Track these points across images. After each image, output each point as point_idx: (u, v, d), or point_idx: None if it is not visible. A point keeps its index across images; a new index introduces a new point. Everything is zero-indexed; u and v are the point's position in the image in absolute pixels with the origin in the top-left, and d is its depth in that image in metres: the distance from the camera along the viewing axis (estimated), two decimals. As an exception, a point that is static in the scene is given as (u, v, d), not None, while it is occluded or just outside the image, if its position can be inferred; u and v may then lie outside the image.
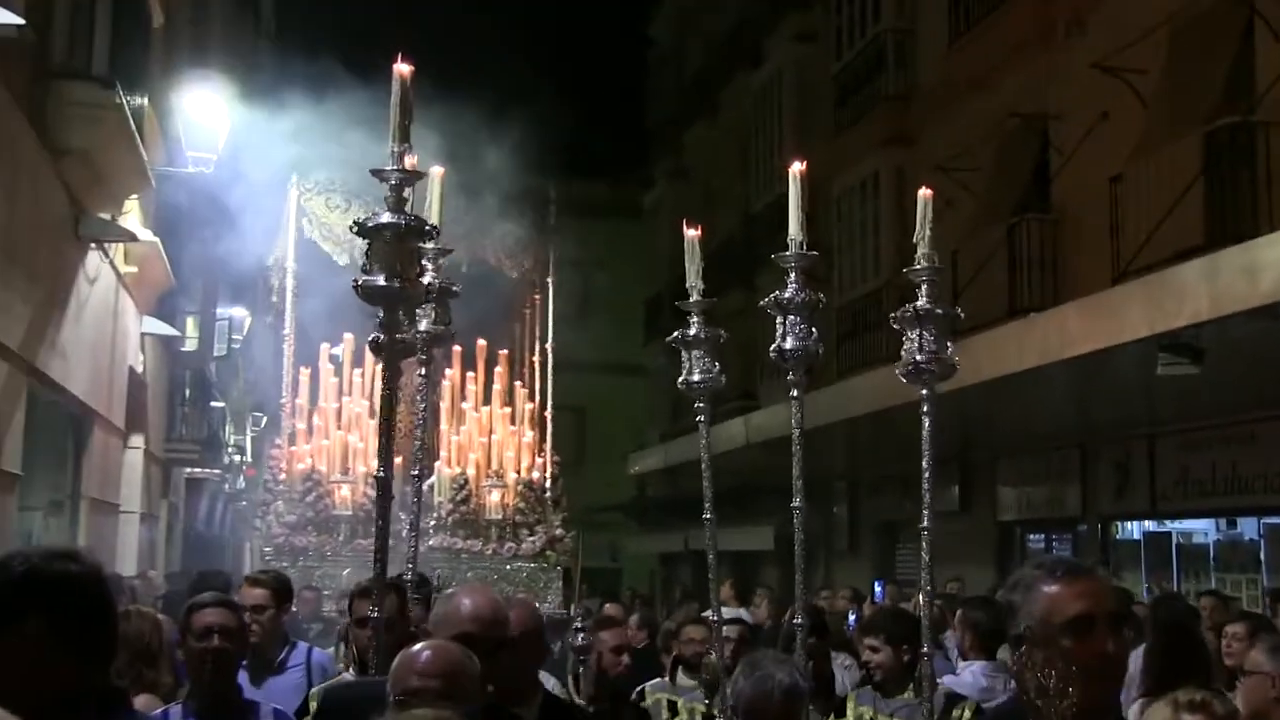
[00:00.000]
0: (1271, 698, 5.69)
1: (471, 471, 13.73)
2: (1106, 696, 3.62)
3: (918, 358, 5.68)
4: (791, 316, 5.93)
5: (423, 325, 6.10)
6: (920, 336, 5.69)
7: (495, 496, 13.67)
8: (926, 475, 5.84)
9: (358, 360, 13.80)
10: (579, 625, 6.29)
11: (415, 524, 6.46)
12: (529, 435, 14.39)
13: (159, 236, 17.00)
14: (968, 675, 8.34)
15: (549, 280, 15.03)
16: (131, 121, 12.87)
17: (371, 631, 6.31)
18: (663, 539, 35.59)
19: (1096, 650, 3.45)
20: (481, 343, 14.27)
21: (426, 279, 5.96)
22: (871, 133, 23.97)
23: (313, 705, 6.23)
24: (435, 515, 13.45)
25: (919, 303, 5.68)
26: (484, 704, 4.57)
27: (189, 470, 25.79)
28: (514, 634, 4.99)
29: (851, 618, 16.07)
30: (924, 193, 5.86)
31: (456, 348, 13.81)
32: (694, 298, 6.45)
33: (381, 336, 5.55)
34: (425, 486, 13.21)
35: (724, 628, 7.14)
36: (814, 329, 5.99)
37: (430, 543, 13.17)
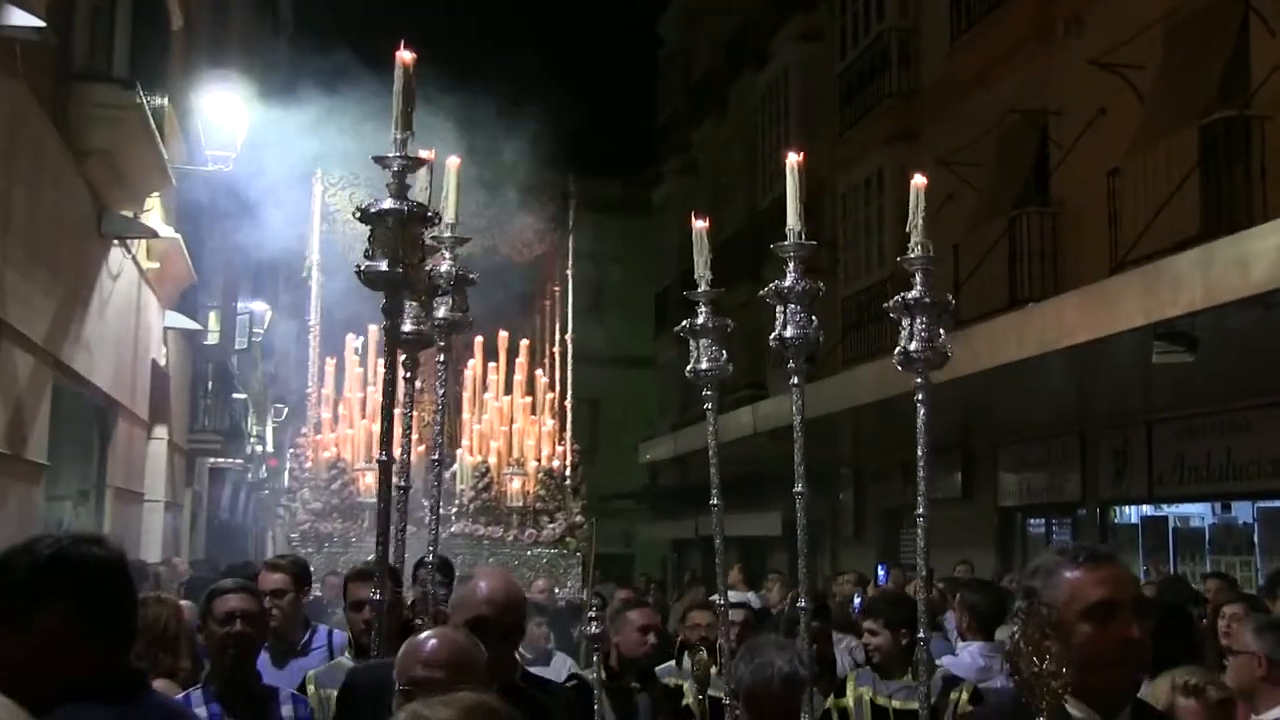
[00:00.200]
0: (1259, 677, 5.67)
1: (493, 460, 13.76)
2: (1129, 682, 3.58)
3: (911, 346, 5.67)
4: (791, 305, 5.93)
5: (441, 313, 6.00)
6: (914, 325, 5.68)
7: (516, 484, 13.72)
8: (922, 463, 5.77)
9: (380, 350, 13.81)
10: (593, 614, 6.22)
11: (435, 509, 6.40)
12: (549, 424, 14.40)
13: (180, 233, 17.02)
14: (966, 656, 8.34)
15: (568, 273, 15.03)
16: (152, 121, 12.90)
17: (368, 615, 6.27)
18: (674, 525, 35.69)
19: (1120, 636, 3.40)
20: (503, 334, 14.29)
21: (444, 267, 5.96)
22: (875, 129, 23.97)
23: (310, 687, 6.22)
24: (458, 502, 13.48)
25: (912, 292, 5.66)
26: (507, 684, 4.54)
27: (212, 460, 25.85)
28: None
29: (856, 601, 16.09)
30: (918, 181, 5.77)
31: (479, 338, 13.86)
32: (701, 288, 6.45)
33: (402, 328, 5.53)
34: (448, 474, 13.32)
35: (729, 612, 7.15)
36: (814, 317, 6.00)
37: (453, 529, 13.23)
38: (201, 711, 5.55)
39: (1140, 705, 3.65)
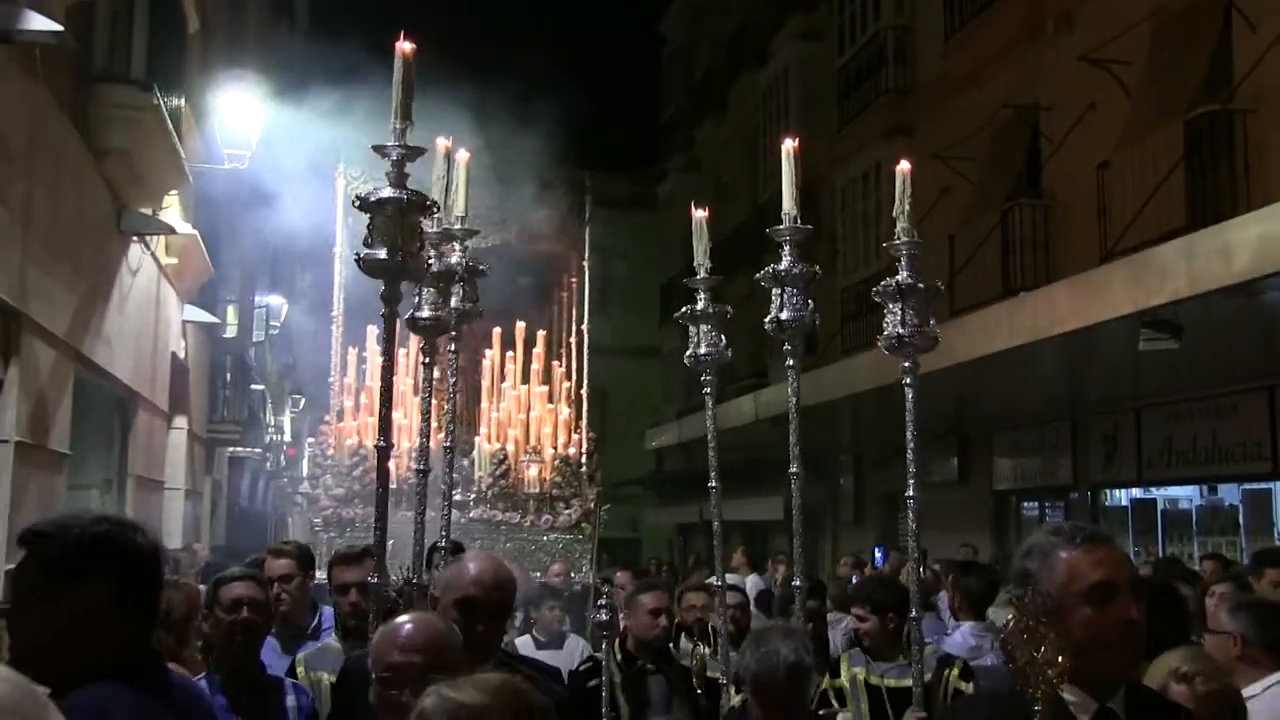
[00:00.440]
0: (1234, 656, 5.68)
1: (511, 447, 13.76)
2: (1126, 664, 3.46)
3: (900, 331, 5.66)
4: (788, 289, 5.92)
5: (452, 302, 5.98)
6: (903, 310, 5.67)
7: (533, 471, 13.70)
8: (911, 446, 5.78)
9: (402, 340, 13.80)
10: (601, 601, 6.18)
11: (448, 494, 6.38)
12: (565, 413, 14.41)
13: (198, 229, 17.04)
14: (958, 636, 8.38)
15: (584, 265, 15.05)
16: (169, 121, 12.92)
17: (354, 597, 6.36)
18: (680, 510, 35.74)
19: (1120, 618, 3.30)
20: (520, 325, 14.31)
21: (454, 258, 5.95)
22: (873, 125, 23.99)
23: (300, 669, 6.16)
24: (475, 489, 13.49)
25: (900, 276, 5.65)
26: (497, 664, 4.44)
27: (231, 449, 25.87)
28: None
29: (854, 581, 16.14)
30: (902, 167, 5.78)
31: (496, 329, 13.88)
32: (701, 274, 6.45)
33: (418, 315, 5.50)
34: (466, 461, 13.35)
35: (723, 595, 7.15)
36: (810, 301, 5.99)
37: (471, 515, 13.24)
38: None
39: (1133, 686, 3.53)
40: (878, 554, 20.30)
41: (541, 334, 14.77)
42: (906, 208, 5.73)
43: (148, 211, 14.05)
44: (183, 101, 14.36)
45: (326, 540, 12.89)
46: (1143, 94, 15.99)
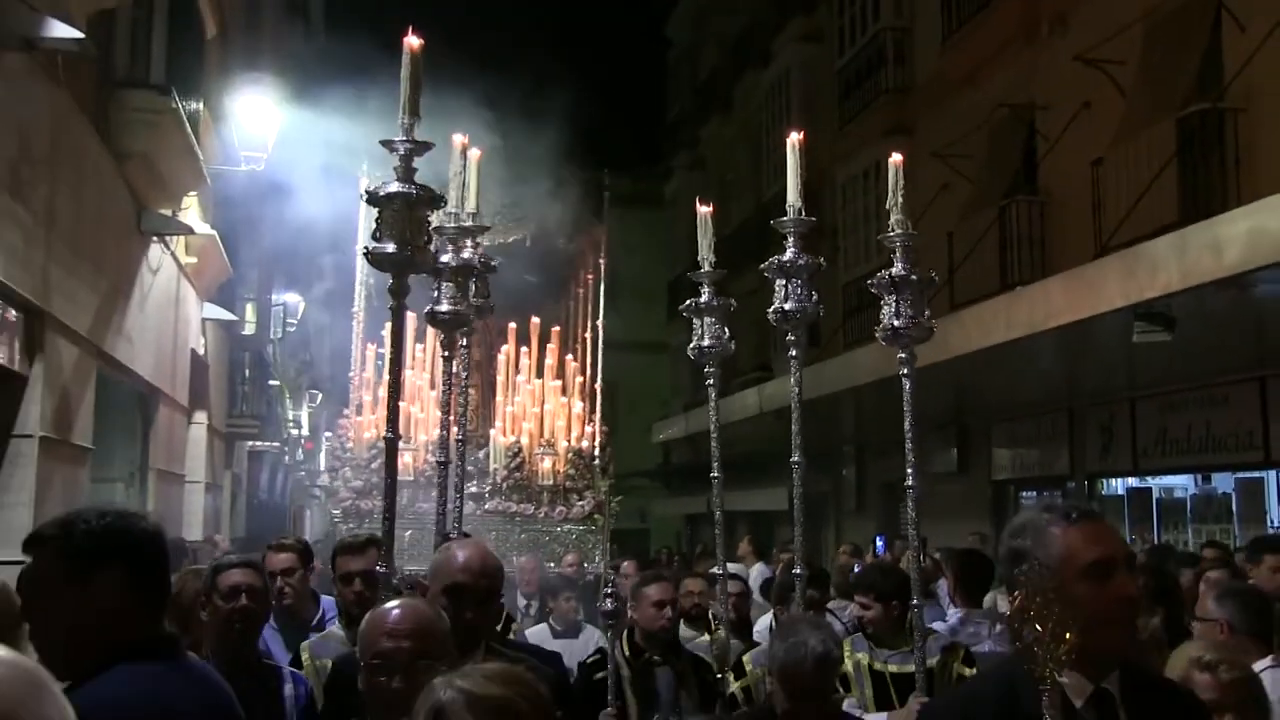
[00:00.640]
0: (1220, 642, 5.67)
1: (525, 440, 13.78)
2: (1124, 640, 3.34)
3: (895, 323, 5.66)
4: (792, 280, 5.87)
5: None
6: (898, 302, 5.66)
7: (547, 463, 13.72)
8: (909, 436, 5.72)
9: (419, 336, 13.82)
10: (608, 590, 6.14)
11: (460, 486, 6.32)
12: (578, 406, 14.42)
13: (217, 229, 17.10)
14: (955, 621, 8.38)
15: (600, 261, 15.06)
16: (187, 125, 12.98)
17: (358, 587, 6.29)
18: (687, 501, 35.77)
19: (1119, 594, 3.20)
20: (535, 320, 14.34)
21: (465, 254, 5.95)
22: (873, 124, 23.99)
23: (305, 656, 6.10)
24: (491, 481, 13.51)
25: (895, 268, 5.65)
26: (488, 649, 4.45)
27: (250, 443, 25.93)
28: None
29: (857, 568, 16.14)
30: (894, 159, 5.75)
31: (512, 325, 13.92)
32: (705, 268, 6.44)
33: (436, 309, 5.48)
34: (481, 454, 13.38)
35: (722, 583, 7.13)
36: (814, 292, 5.93)
37: (486, 506, 13.26)
38: None
39: (1127, 667, 3.35)
40: (878, 542, 20.30)
41: (555, 329, 14.78)
42: (900, 200, 5.69)
43: (167, 212, 14.11)
44: (201, 105, 14.42)
45: (345, 531, 12.94)
46: (1136, 93, 15.99)
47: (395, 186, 4.63)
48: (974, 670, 6.47)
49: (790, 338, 6.00)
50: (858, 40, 25.16)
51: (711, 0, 36.78)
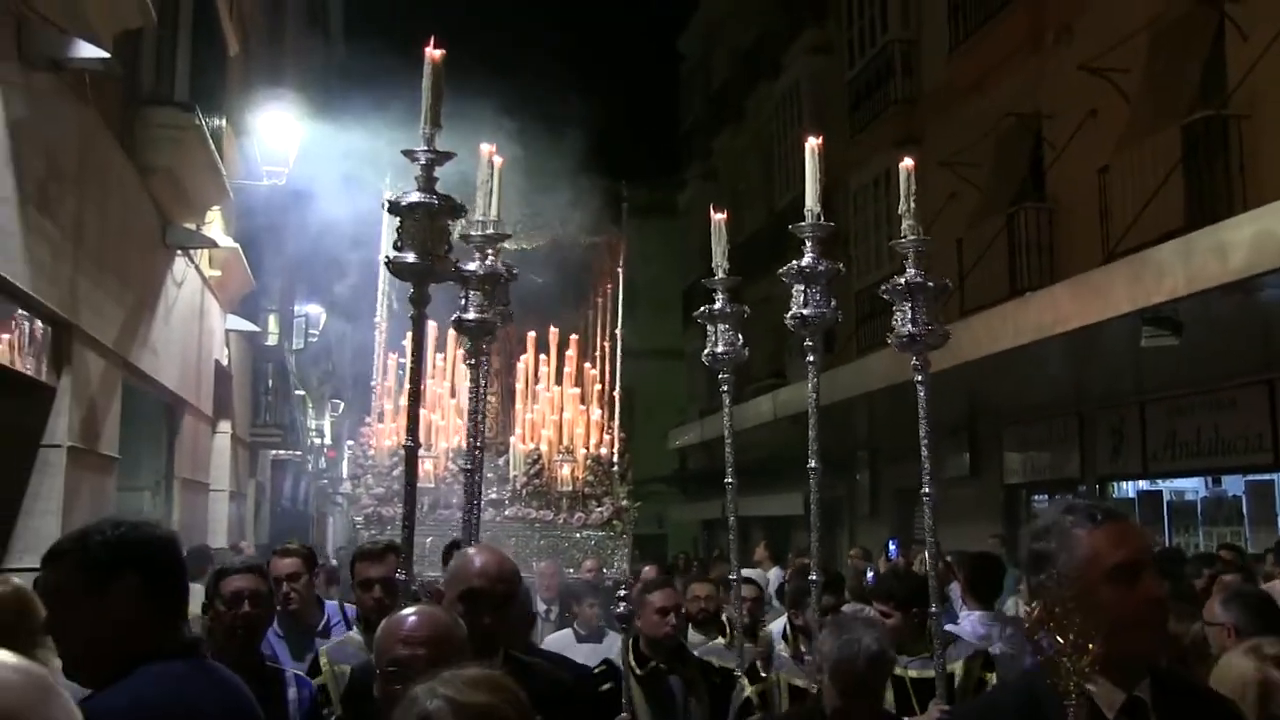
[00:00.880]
0: (1228, 647, 5.63)
1: (544, 447, 13.76)
2: (1154, 645, 3.15)
3: (910, 329, 5.61)
4: (811, 286, 5.77)
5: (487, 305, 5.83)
6: (913, 308, 5.59)
7: (566, 470, 13.69)
8: (925, 443, 5.67)
9: (440, 345, 13.83)
10: (621, 593, 6.06)
11: (477, 491, 6.29)
12: (597, 414, 14.42)
13: (240, 242, 17.16)
14: (967, 625, 8.36)
15: (619, 270, 15.06)
16: (210, 141, 13.04)
17: (377, 593, 6.20)
18: (703, 507, 35.79)
19: (1146, 597, 3.01)
20: (554, 329, 14.34)
21: (472, 265, 5.90)
22: (883, 133, 23.99)
23: (323, 661, 5.96)
24: (510, 487, 13.51)
25: (908, 274, 5.59)
26: (508, 655, 4.39)
27: (274, 452, 25.97)
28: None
29: (870, 575, 16.15)
30: (905, 164, 5.68)
31: (531, 333, 13.93)
32: (719, 275, 6.38)
33: (464, 317, 5.46)
34: (501, 461, 13.38)
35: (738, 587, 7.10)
36: (833, 299, 5.85)
37: (506, 513, 13.25)
38: None
39: (1158, 673, 3.15)
40: (891, 547, 20.27)
41: (574, 337, 14.78)
42: (912, 205, 5.62)
43: (191, 226, 14.16)
44: (224, 121, 14.48)
45: (367, 538, 12.97)
46: (1141, 101, 15.99)
47: (416, 196, 4.61)
48: (994, 675, 6.39)
49: (808, 343, 5.92)
50: (867, 51, 25.19)
51: (723, 13, 36.83)
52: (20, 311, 8.95)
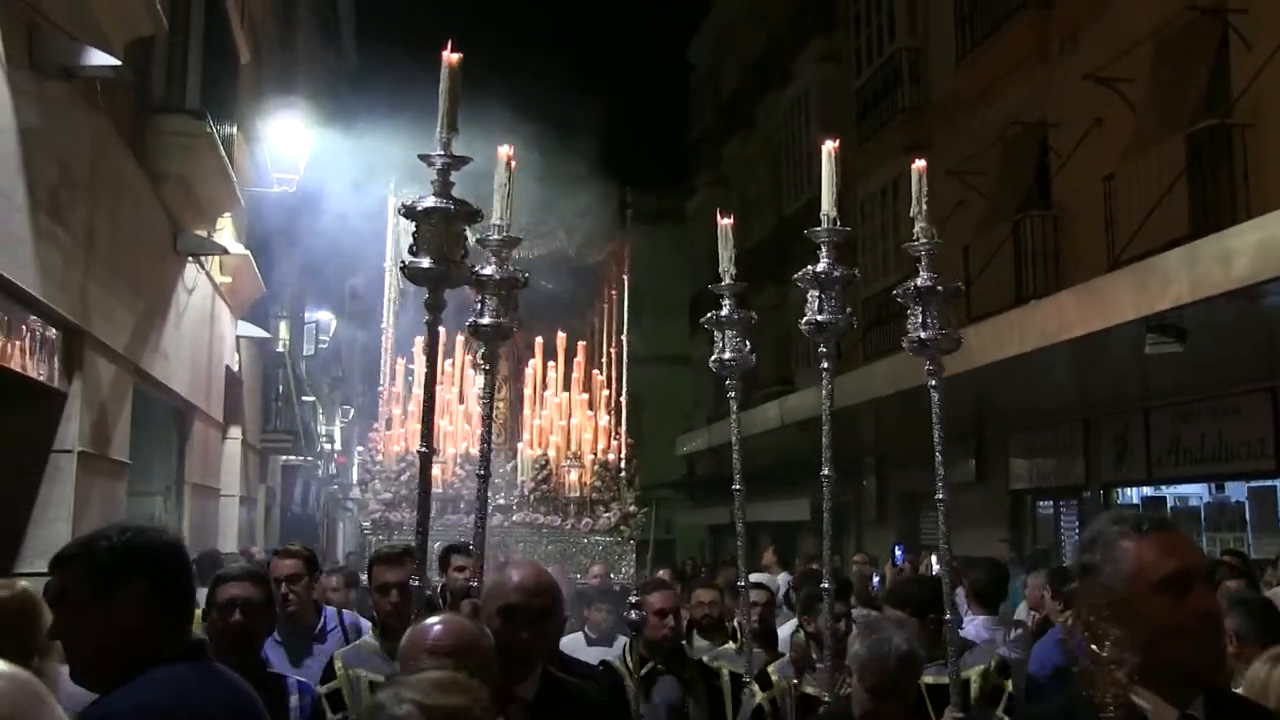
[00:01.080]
0: (1231, 654, 5.57)
1: (552, 453, 13.75)
2: (1206, 659, 2.94)
3: (922, 334, 5.52)
4: (826, 292, 5.68)
5: (492, 311, 5.86)
6: (925, 312, 5.50)
7: (573, 475, 13.68)
8: (939, 447, 5.60)
9: (448, 351, 13.82)
10: (632, 600, 6.00)
11: (483, 495, 6.27)
12: (604, 419, 14.40)
13: (250, 249, 17.18)
14: (971, 629, 8.37)
15: (624, 277, 15.05)
16: (221, 148, 13.05)
17: (394, 598, 6.14)
18: (711, 512, 35.80)
19: (1197, 609, 2.87)
20: (561, 335, 14.34)
21: (489, 270, 5.86)
22: (890, 142, 23.98)
23: (338, 665, 5.87)
24: (518, 493, 13.49)
25: (921, 279, 5.49)
26: (545, 669, 4.34)
27: (284, 458, 25.97)
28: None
29: (875, 580, 16.16)
30: (918, 165, 5.54)
31: (539, 339, 13.92)
32: (726, 280, 6.31)
33: (479, 321, 5.41)
34: (509, 467, 13.37)
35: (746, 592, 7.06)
36: (847, 306, 5.76)
37: (514, 518, 13.24)
38: None
39: (1213, 691, 3.00)
40: (897, 552, 20.28)
41: (581, 344, 14.77)
42: (924, 207, 5.52)
43: (202, 233, 14.17)
44: (235, 129, 14.50)
45: (375, 543, 12.95)
46: (1146, 110, 15.99)
47: (432, 201, 4.56)
48: (1009, 681, 6.34)
49: (822, 349, 5.82)
50: (875, 60, 25.22)
51: (732, 23, 36.87)
52: (32, 317, 8.96)
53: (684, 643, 7.15)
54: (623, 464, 14.26)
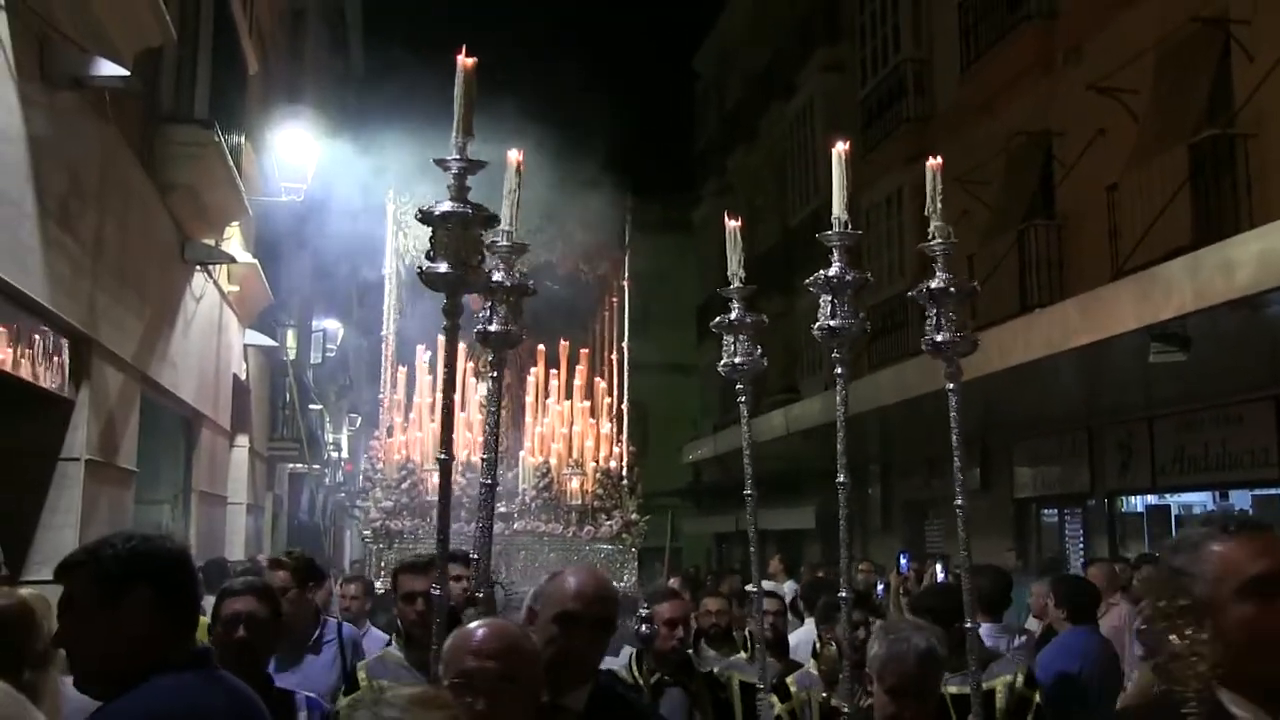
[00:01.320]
0: None
1: (554, 460, 13.73)
2: None
3: (938, 337, 5.37)
4: (838, 296, 5.46)
5: (499, 319, 5.79)
6: (939, 314, 5.36)
7: (575, 483, 13.64)
8: (957, 451, 5.49)
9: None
10: (643, 612, 5.92)
11: (487, 503, 6.18)
12: (607, 427, 14.38)
13: (258, 258, 17.20)
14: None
15: (624, 284, 15.04)
16: (230, 158, 13.07)
17: (420, 607, 6.01)
18: (717, 520, 35.80)
19: None
20: (564, 343, 14.32)
21: (497, 276, 5.80)
22: (895, 152, 23.97)
23: (361, 675, 5.82)
24: (520, 501, 13.47)
25: (934, 281, 5.37)
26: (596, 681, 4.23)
27: (291, 466, 25.97)
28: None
29: (880, 587, 16.15)
30: (932, 163, 5.42)
31: (540, 347, 13.90)
32: (734, 284, 6.23)
33: (488, 328, 5.37)
34: (510, 474, 13.35)
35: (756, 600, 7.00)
36: (859, 312, 5.56)
37: (515, 526, 13.21)
38: None
39: None
40: (902, 560, 20.25)
41: (584, 351, 14.76)
42: (939, 206, 5.42)
43: (210, 242, 14.20)
44: (243, 139, 14.52)
45: (375, 552, 12.95)
46: (1149, 120, 15.99)
47: (449, 205, 4.48)
48: (1037, 692, 6.24)
49: (836, 355, 5.62)
50: (879, 71, 25.23)
51: (737, 34, 36.91)
52: (41, 326, 8.99)
53: (691, 653, 7.05)
54: (625, 472, 14.23)
